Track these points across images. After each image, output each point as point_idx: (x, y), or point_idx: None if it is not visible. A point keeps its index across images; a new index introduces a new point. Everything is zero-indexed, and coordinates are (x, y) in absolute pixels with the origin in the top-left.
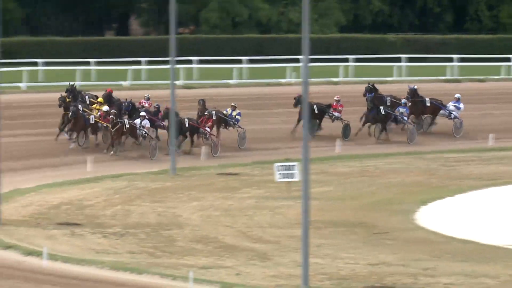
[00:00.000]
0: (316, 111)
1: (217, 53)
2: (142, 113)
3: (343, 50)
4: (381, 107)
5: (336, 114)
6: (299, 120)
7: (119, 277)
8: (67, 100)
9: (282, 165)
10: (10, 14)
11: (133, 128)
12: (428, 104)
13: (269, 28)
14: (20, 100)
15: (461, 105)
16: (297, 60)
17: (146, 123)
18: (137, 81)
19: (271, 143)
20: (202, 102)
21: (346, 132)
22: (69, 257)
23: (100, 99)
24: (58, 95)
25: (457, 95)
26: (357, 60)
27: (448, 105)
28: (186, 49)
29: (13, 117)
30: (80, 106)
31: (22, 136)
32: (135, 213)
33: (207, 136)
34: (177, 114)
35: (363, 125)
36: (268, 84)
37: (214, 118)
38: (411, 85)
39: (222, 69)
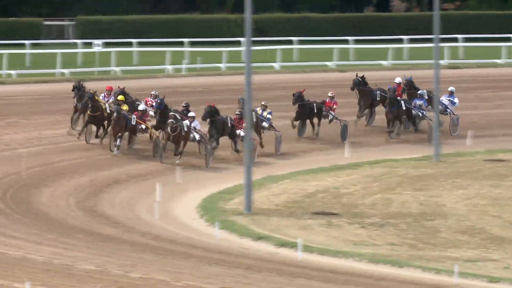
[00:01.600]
0: (316, 110)
1: (484, 30)
2: (191, 114)
3: None
4: (402, 102)
5: (332, 113)
6: (296, 120)
7: (378, 271)
8: (96, 98)
9: None
10: None
11: (189, 132)
12: (426, 97)
13: None
14: (273, 80)
15: (456, 100)
16: None
17: (197, 124)
18: (398, 61)
19: None
20: (243, 101)
21: (344, 134)
22: (325, 249)
23: (121, 97)
24: (316, 75)
25: (450, 88)
26: None
27: (440, 99)
28: (451, 26)
29: (265, 99)
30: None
31: (274, 120)
32: (396, 202)
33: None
34: (217, 112)
35: (388, 123)
36: None
37: (255, 120)
38: (407, 76)
39: (490, 47)
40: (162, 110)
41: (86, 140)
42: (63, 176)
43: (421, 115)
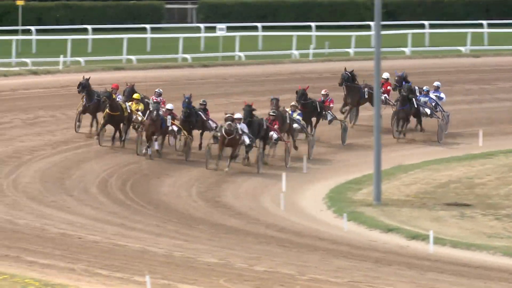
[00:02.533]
0: (319, 110)
1: None
2: (238, 115)
3: None
4: (413, 100)
5: (330, 112)
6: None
7: None
8: (114, 96)
9: None
10: None
11: (241, 135)
12: (417, 93)
13: None
14: (403, 66)
15: (442, 95)
16: None
17: (243, 127)
18: None
19: None
20: (276, 101)
21: (345, 136)
22: (458, 242)
23: (137, 95)
24: (448, 61)
25: (436, 83)
26: None
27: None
28: None
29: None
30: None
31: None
32: None
33: (277, 141)
34: (253, 114)
35: (398, 123)
36: None
37: (288, 121)
38: (399, 71)
39: None
40: (190, 111)
41: (99, 143)
42: (184, 166)
43: (428, 113)
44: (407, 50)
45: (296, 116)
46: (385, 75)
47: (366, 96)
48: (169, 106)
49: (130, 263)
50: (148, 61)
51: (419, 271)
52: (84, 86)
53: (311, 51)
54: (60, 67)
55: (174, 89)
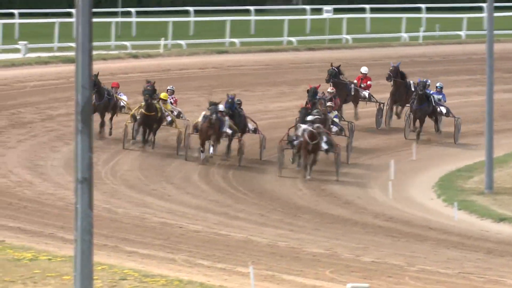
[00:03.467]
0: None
1: None
2: (310, 118)
3: None
4: (431, 98)
5: (334, 113)
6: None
7: None
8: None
9: None
10: None
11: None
12: (412, 88)
13: None
14: None
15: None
16: None
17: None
18: None
19: None
20: (324, 102)
21: (351, 137)
22: None
23: (164, 95)
24: None
25: (428, 81)
26: None
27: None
28: None
29: (507, 69)
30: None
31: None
32: None
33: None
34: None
35: (414, 122)
36: None
37: (329, 123)
38: (395, 62)
39: None
40: (233, 112)
41: (123, 144)
42: (288, 153)
43: (444, 111)
44: None
45: (333, 117)
46: (364, 69)
47: (353, 93)
48: (221, 107)
49: (232, 253)
50: (252, 44)
51: None
52: (95, 84)
53: (421, 33)
54: (161, 50)
55: (278, 73)
